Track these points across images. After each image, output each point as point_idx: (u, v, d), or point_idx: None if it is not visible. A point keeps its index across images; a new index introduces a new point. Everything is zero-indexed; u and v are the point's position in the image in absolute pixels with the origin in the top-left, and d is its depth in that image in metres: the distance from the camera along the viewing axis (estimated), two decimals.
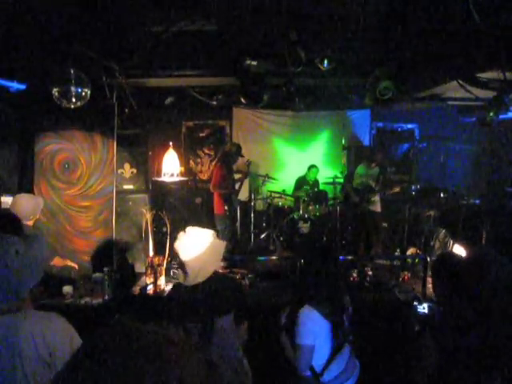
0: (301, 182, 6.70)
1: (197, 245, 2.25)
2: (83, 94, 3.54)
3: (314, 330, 2.19)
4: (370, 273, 4.04)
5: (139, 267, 4.20)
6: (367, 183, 5.79)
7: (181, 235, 2.30)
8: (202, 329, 2.14)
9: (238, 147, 5.77)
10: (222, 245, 2.38)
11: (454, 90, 4.25)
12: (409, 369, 2.17)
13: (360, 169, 5.99)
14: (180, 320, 2.17)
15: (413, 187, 5.55)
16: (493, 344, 1.76)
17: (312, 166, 6.62)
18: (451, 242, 4.09)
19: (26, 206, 3.29)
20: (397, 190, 5.71)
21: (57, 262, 3.49)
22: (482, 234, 4.41)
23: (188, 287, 2.22)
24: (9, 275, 1.48)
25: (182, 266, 2.24)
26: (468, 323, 1.88)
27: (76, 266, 3.59)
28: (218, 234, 2.46)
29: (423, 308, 2.57)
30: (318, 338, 2.19)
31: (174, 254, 2.34)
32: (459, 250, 3.75)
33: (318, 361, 2.23)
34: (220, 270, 2.51)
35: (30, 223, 3.31)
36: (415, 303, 2.58)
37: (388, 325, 3.06)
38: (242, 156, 5.85)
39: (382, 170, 5.77)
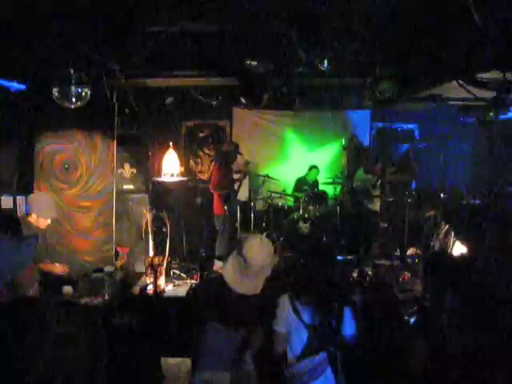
0: (300, 183, 6.70)
1: (267, 255, 2.16)
2: (83, 93, 3.54)
3: (285, 318, 2.21)
4: (370, 273, 4.04)
5: (139, 267, 4.20)
6: (365, 186, 5.83)
7: (254, 239, 2.19)
8: (247, 335, 2.15)
9: (236, 146, 5.77)
10: (274, 262, 2.32)
11: (454, 90, 4.25)
12: (401, 365, 2.17)
13: (360, 173, 6.02)
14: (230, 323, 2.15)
15: (408, 200, 5.56)
16: (483, 343, 1.77)
17: (313, 167, 6.62)
18: (451, 241, 4.09)
19: (31, 199, 3.40)
20: (391, 199, 5.74)
21: (44, 266, 3.46)
22: (484, 234, 4.41)
23: (234, 294, 2.12)
24: None
25: (246, 270, 2.12)
26: (459, 321, 1.90)
27: (66, 270, 3.52)
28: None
29: (411, 321, 2.54)
30: (289, 328, 2.21)
31: (238, 253, 2.18)
32: (460, 250, 3.75)
33: (291, 353, 2.25)
34: None
35: (32, 220, 3.34)
36: (405, 317, 2.54)
37: (384, 324, 3.06)
38: (241, 154, 5.85)
39: (381, 177, 5.80)
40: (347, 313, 2.26)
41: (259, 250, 2.15)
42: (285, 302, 2.24)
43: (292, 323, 2.21)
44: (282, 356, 2.28)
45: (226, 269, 2.21)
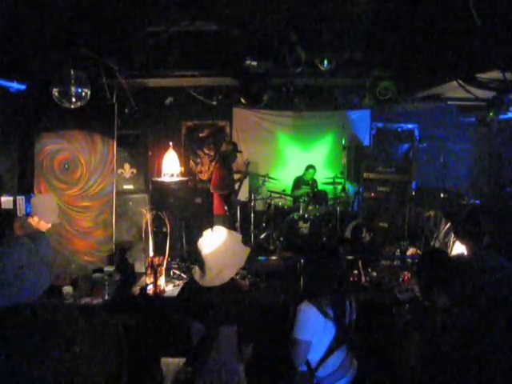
0: (299, 182, 6.70)
1: (220, 245, 2.23)
2: (83, 93, 3.54)
3: (310, 326, 2.19)
4: (374, 274, 4.05)
5: (139, 267, 4.19)
6: None
7: (207, 232, 2.29)
8: (207, 332, 2.14)
9: (234, 145, 5.76)
10: (245, 252, 2.35)
11: (454, 89, 4.25)
12: (394, 364, 2.17)
13: None
14: (197, 317, 2.17)
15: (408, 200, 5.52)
16: (472, 342, 1.77)
17: (309, 167, 6.62)
18: (451, 241, 4.09)
19: (35, 202, 3.37)
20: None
21: None
22: (484, 234, 4.40)
23: (203, 288, 2.20)
24: (23, 274, 1.49)
25: (201, 263, 2.23)
26: (450, 319, 1.90)
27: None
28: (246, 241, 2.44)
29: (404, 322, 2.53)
30: (315, 335, 2.19)
31: (194, 251, 2.31)
32: (460, 250, 3.74)
33: (314, 356, 2.23)
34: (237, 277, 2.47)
35: (33, 222, 3.33)
36: (398, 318, 2.52)
37: (381, 324, 3.05)
38: (240, 151, 5.84)
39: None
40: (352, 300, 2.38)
41: (208, 240, 2.25)
42: (311, 309, 2.19)
43: (321, 327, 2.19)
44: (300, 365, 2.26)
45: (195, 267, 2.31)
